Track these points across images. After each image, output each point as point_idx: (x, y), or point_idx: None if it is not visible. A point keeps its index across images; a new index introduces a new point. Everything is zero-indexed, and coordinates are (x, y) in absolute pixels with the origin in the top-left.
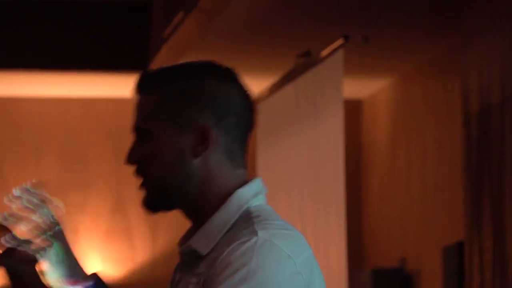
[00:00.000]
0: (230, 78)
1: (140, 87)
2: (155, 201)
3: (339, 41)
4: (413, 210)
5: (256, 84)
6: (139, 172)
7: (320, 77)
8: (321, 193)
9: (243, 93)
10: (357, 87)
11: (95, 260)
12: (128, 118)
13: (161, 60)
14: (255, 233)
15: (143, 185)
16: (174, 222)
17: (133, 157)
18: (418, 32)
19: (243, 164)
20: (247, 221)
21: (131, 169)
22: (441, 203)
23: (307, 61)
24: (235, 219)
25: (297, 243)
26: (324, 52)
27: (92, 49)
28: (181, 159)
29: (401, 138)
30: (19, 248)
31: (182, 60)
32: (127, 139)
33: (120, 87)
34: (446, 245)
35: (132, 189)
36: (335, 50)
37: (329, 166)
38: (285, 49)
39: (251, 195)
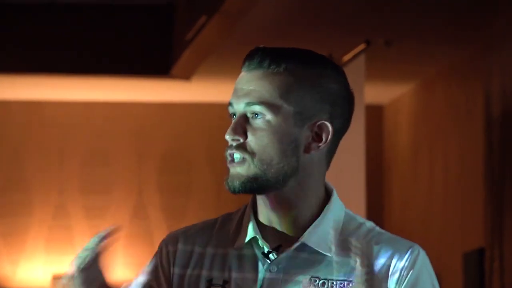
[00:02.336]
0: (347, 82)
1: (270, 61)
2: (249, 179)
3: (361, 46)
4: (435, 215)
5: None
6: (239, 147)
7: None
8: (342, 199)
9: (353, 99)
10: (379, 92)
11: (115, 265)
12: (151, 122)
13: (184, 64)
14: (411, 244)
15: (239, 162)
16: None
17: (239, 132)
18: (440, 37)
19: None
20: (360, 226)
21: (152, 173)
22: (462, 209)
23: None
24: (343, 220)
25: None
26: (346, 57)
27: (114, 53)
28: (294, 149)
29: (423, 144)
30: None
31: (205, 64)
32: (150, 143)
33: (143, 91)
34: (467, 251)
35: (154, 194)
36: (356, 55)
37: (351, 171)
38: None
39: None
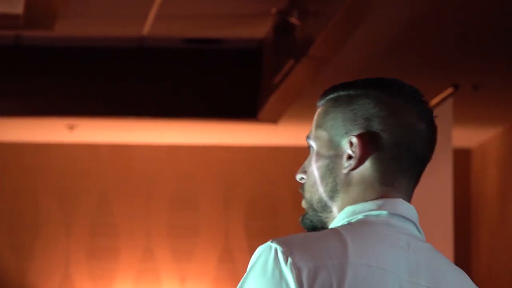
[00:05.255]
0: (409, 96)
1: (320, 97)
2: (309, 219)
3: (449, 90)
4: None
5: None
6: (302, 188)
7: None
8: (430, 242)
9: (418, 115)
10: (466, 136)
11: None
12: (238, 165)
13: (271, 107)
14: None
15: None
16: None
17: (299, 174)
18: None
19: (398, 186)
20: None
21: (239, 217)
22: None
23: None
24: None
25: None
26: (434, 101)
27: (202, 97)
28: (331, 173)
29: (511, 187)
30: None
31: (292, 107)
32: (236, 187)
33: (230, 134)
34: None
35: (241, 238)
36: (444, 99)
37: (438, 215)
38: None
39: (365, 209)
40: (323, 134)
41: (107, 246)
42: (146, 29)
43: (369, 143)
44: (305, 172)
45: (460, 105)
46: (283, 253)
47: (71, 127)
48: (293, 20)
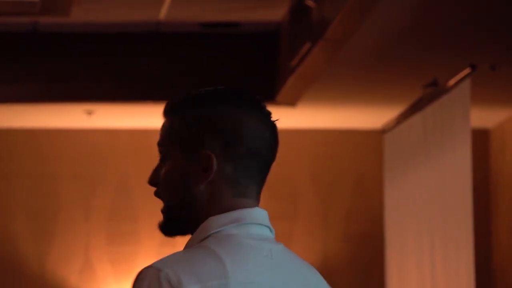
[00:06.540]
0: (251, 106)
1: (166, 110)
2: (165, 224)
3: (466, 70)
4: None
5: (382, 114)
6: (156, 194)
7: (448, 107)
8: (449, 223)
9: (262, 122)
10: (485, 116)
11: None
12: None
13: (289, 90)
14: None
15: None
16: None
17: (151, 179)
18: None
19: (250, 194)
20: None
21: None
22: None
23: (434, 91)
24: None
25: (206, 267)
26: (451, 82)
27: (220, 80)
28: (185, 183)
29: None
30: None
31: (310, 90)
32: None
33: None
34: None
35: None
36: (462, 80)
37: (457, 196)
38: (412, 79)
39: (223, 223)
40: (175, 146)
41: (127, 230)
42: (163, 13)
43: (223, 156)
44: (157, 177)
45: (477, 85)
46: (169, 275)
47: (89, 113)
48: (309, 2)
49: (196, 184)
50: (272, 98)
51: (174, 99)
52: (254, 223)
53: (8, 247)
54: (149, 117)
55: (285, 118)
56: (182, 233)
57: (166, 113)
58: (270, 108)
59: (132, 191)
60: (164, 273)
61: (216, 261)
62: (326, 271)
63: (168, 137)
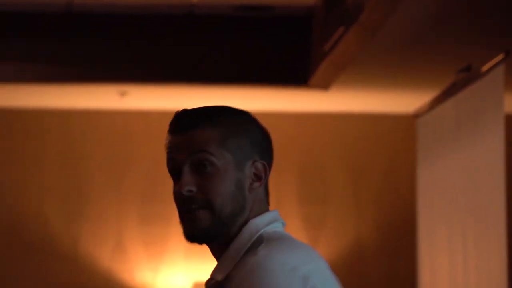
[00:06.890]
0: (256, 120)
1: (197, 120)
2: (210, 230)
3: (500, 56)
4: None
5: (415, 99)
6: (195, 201)
7: (481, 93)
8: (481, 210)
9: (269, 137)
10: None
11: None
12: (288, 132)
13: (322, 74)
14: (255, 253)
15: (195, 215)
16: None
17: (192, 186)
18: None
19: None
20: (257, 246)
21: (291, 184)
22: None
23: (467, 76)
24: (248, 246)
25: (302, 254)
26: (485, 67)
27: (254, 63)
28: (240, 192)
29: None
30: None
31: (343, 74)
32: (287, 153)
33: (281, 100)
34: None
35: (292, 204)
36: (495, 65)
37: (490, 181)
38: (445, 64)
39: (264, 223)
40: (227, 155)
41: (159, 212)
42: None
43: (267, 166)
44: (200, 187)
45: (511, 70)
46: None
47: (122, 94)
48: None
49: (249, 192)
50: (304, 81)
51: (209, 109)
52: (281, 221)
53: (42, 228)
54: (181, 99)
55: (317, 102)
56: (214, 240)
57: (201, 123)
58: (302, 92)
59: (164, 172)
60: (302, 271)
61: (302, 248)
62: (358, 256)
63: (217, 147)
